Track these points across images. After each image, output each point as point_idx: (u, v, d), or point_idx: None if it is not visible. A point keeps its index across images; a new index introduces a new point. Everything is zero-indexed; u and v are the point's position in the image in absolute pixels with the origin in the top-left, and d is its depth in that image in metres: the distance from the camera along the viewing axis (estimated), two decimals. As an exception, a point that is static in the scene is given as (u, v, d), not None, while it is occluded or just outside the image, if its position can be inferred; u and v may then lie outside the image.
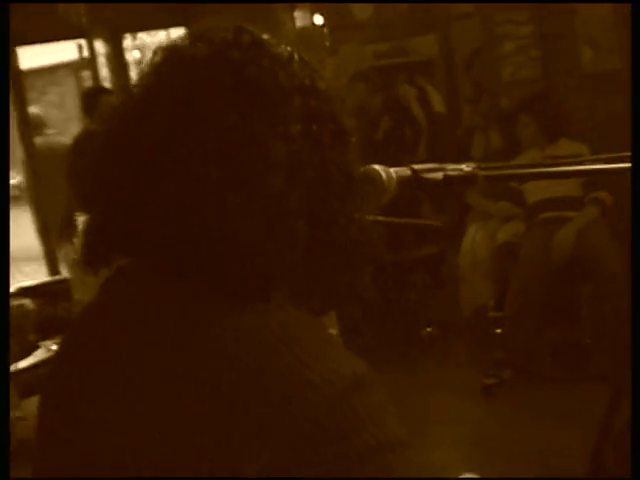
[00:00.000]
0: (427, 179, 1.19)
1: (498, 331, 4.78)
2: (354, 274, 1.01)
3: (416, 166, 1.20)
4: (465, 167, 1.22)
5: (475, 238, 5.29)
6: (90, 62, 7.28)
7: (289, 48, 0.98)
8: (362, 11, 9.16)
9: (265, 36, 0.97)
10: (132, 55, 9.17)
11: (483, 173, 1.21)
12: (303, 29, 8.84)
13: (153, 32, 8.86)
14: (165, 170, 0.90)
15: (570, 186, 4.77)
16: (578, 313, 4.67)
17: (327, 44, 8.65)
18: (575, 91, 5.24)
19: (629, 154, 1.41)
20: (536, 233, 4.75)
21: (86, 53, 7.27)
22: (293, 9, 8.68)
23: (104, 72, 7.86)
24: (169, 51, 0.97)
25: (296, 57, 0.97)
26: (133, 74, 8.74)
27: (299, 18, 8.84)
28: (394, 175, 1.16)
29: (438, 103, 7.10)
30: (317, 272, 0.97)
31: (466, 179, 1.20)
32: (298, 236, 0.91)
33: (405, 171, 1.18)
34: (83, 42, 7.20)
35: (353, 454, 0.80)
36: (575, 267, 4.60)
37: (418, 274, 5.69)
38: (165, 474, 0.83)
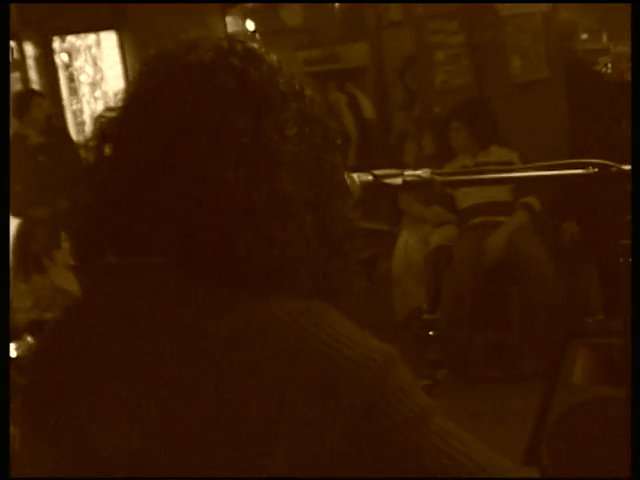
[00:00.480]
0: (388, 184, 1.24)
1: (431, 333, 4.87)
2: (349, 268, 1.06)
3: (376, 171, 1.25)
4: (422, 173, 1.27)
5: (408, 242, 5.38)
6: (19, 64, 7.16)
7: (276, 57, 1.02)
8: (292, 17, 9.22)
9: (255, 45, 1.01)
10: (60, 58, 9.05)
11: (440, 179, 1.27)
12: (234, 35, 8.83)
13: (83, 35, 8.75)
14: (178, 173, 0.92)
15: (500, 191, 4.90)
16: (508, 314, 4.79)
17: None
18: (505, 99, 5.38)
19: (563, 162, 1.48)
20: (468, 237, 4.87)
21: (15, 55, 7.15)
22: (224, 14, 8.68)
23: (33, 75, 7.75)
24: (168, 59, 0.99)
25: (285, 64, 1.01)
26: (62, 77, 8.63)
27: (230, 23, 8.84)
28: (357, 180, 1.21)
29: (368, 109, 7.21)
30: (318, 266, 1.01)
31: (425, 184, 1.26)
32: (306, 232, 0.96)
33: (366, 176, 1.23)
34: (12, 44, 7.08)
35: (401, 424, 0.84)
36: (505, 270, 4.73)
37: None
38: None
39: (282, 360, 0.85)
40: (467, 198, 4.97)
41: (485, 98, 5.38)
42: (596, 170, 1.46)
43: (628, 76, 8.14)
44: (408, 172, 1.28)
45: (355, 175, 1.21)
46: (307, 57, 8.24)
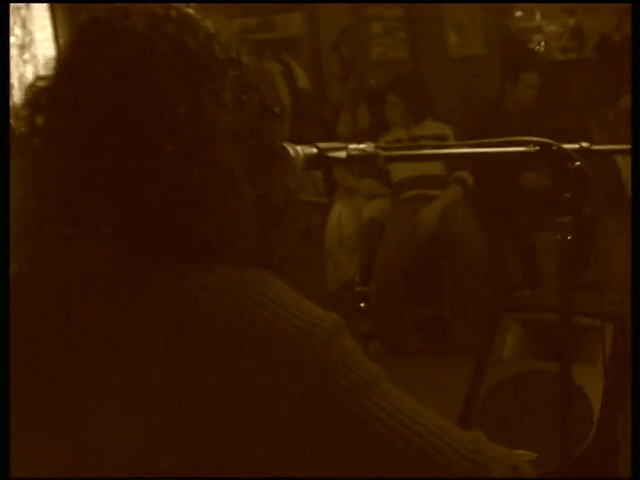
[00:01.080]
0: (332, 157, 1.22)
1: (363, 305, 4.91)
2: (289, 237, 1.06)
3: (320, 144, 1.23)
4: (366, 147, 1.26)
5: (341, 214, 5.37)
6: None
7: (211, 23, 0.99)
8: (228, -16, 9.08)
9: (190, 11, 0.98)
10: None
11: (384, 154, 1.25)
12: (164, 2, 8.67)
13: (11, -5, 8.47)
14: (114, 144, 0.90)
15: (434, 165, 4.92)
16: (440, 288, 4.84)
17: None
18: (441, 74, 5.40)
19: (505, 139, 1.48)
20: (401, 210, 4.88)
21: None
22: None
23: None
24: (100, 25, 0.95)
25: (218, 32, 0.99)
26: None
27: (163, -11, 8.67)
28: (301, 152, 1.19)
29: (303, 80, 7.16)
30: (259, 236, 1.00)
31: (369, 158, 1.24)
32: (246, 199, 0.95)
33: (311, 149, 1.21)
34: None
35: (350, 390, 0.86)
36: (438, 243, 4.77)
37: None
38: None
39: (230, 329, 0.85)
40: (400, 171, 4.98)
41: (421, 72, 5.38)
42: (537, 148, 1.46)
43: (559, 55, 8.27)
44: (352, 146, 1.26)
45: (299, 147, 1.19)
46: (242, 25, 8.14)
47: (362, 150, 1.25)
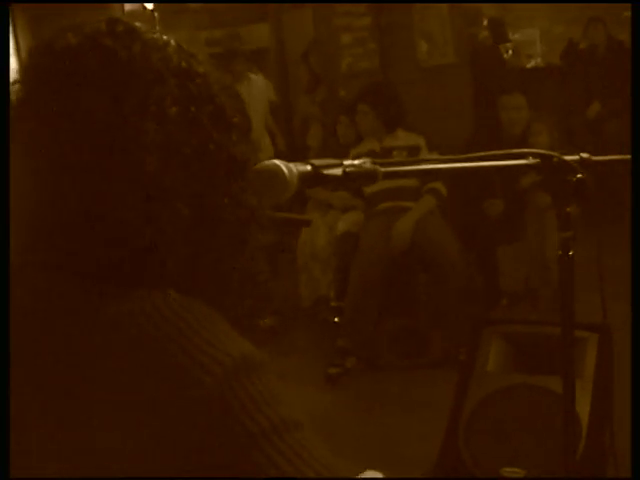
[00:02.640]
0: (327, 175, 1.15)
1: (336, 320, 4.84)
2: (245, 257, 1.01)
3: (315, 161, 1.15)
4: (363, 163, 1.19)
5: (314, 228, 5.31)
6: None
7: (165, 37, 0.98)
8: (193, -4, 9.01)
9: (139, 24, 0.98)
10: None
11: (383, 169, 1.18)
12: (132, 13, 8.58)
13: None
14: (41, 161, 0.91)
15: (407, 177, 4.87)
16: (416, 301, 4.78)
17: (157, 29, 8.42)
18: (412, 84, 5.35)
19: (504, 152, 1.42)
20: (375, 223, 4.82)
21: None
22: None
23: None
24: (43, 47, 0.96)
25: (172, 43, 0.98)
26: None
27: (128, 2, 8.58)
28: (295, 170, 1.11)
29: (270, 92, 7.10)
30: (206, 255, 0.97)
31: (366, 175, 1.17)
32: (179, 216, 0.92)
33: (305, 167, 1.14)
34: None
35: (247, 435, 0.82)
36: (413, 256, 4.71)
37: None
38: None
39: (133, 351, 0.84)
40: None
41: (391, 82, 5.34)
42: (538, 160, 1.40)
43: (526, 63, 8.29)
44: (347, 162, 1.18)
45: (292, 165, 1.12)
46: (208, 37, 8.08)
47: (359, 167, 1.17)
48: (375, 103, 4.87)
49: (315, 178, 1.14)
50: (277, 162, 1.10)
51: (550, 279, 4.66)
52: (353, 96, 5.09)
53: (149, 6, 8.46)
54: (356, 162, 1.19)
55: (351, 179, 1.16)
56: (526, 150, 1.39)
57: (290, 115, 7.00)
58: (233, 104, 1.01)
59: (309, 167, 1.14)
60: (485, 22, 6.74)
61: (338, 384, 4.39)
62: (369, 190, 4.95)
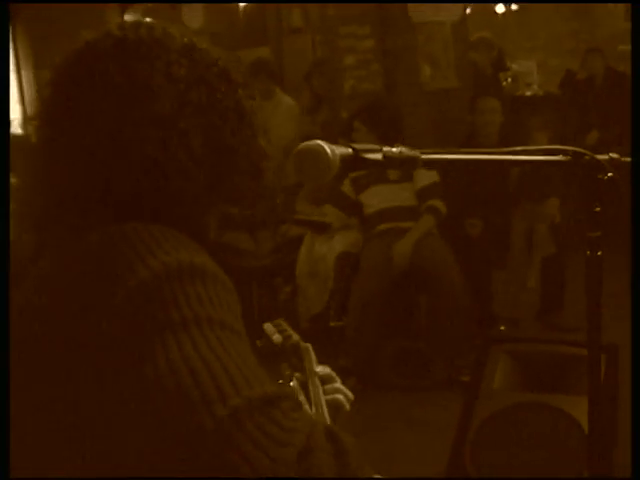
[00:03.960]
0: (368, 159, 1.14)
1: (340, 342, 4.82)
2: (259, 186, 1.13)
3: (355, 145, 1.14)
4: (404, 149, 1.18)
5: (313, 247, 5.29)
6: None
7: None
8: (193, 19, 9.04)
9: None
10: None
11: (423, 156, 1.17)
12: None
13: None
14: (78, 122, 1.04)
15: (406, 196, 4.87)
16: (416, 322, 4.76)
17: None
18: (414, 106, 5.36)
19: (538, 147, 1.42)
20: (375, 244, 4.81)
21: None
22: (123, 12, 8.44)
23: None
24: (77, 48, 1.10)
25: (174, 29, 1.13)
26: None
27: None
28: (337, 152, 1.10)
29: (297, 111, 7.09)
30: (220, 185, 1.08)
31: (407, 160, 1.16)
32: (193, 151, 1.04)
33: (346, 149, 1.13)
34: None
35: (163, 323, 0.84)
36: (413, 277, 4.70)
37: (253, 284, 5.63)
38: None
39: (87, 273, 0.91)
40: (373, 202, 4.92)
41: (389, 100, 5.34)
42: (569, 157, 1.40)
43: (525, 90, 8.34)
44: (386, 149, 1.18)
45: (335, 147, 1.11)
46: (208, 60, 8.10)
47: (399, 152, 1.16)
48: (371, 120, 4.83)
49: (355, 161, 1.13)
50: (320, 142, 1.09)
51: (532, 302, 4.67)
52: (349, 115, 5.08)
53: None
54: (394, 149, 1.18)
55: (392, 163, 1.15)
56: (559, 147, 1.39)
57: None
58: (236, 67, 1.15)
59: (350, 150, 1.13)
60: (485, 47, 6.77)
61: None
62: (368, 210, 4.94)
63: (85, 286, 0.90)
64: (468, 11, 8.96)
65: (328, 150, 1.08)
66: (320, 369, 1.48)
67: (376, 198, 4.91)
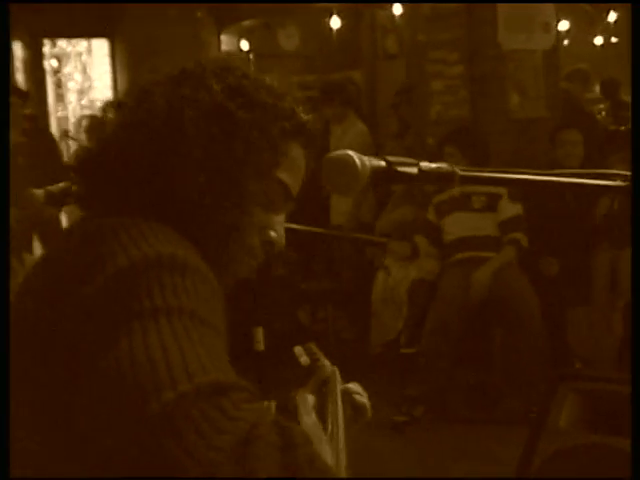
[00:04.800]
0: (402, 172, 1.10)
1: (412, 369, 4.74)
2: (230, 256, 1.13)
3: (390, 158, 1.11)
4: (441, 165, 1.13)
5: (388, 275, 5.25)
6: (6, 65, 7.00)
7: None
8: (289, 41, 9.16)
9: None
10: (50, 63, 8.87)
11: (461, 172, 1.12)
12: (228, 54, 8.75)
13: (74, 41, 8.61)
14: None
15: (487, 225, 4.78)
16: (491, 354, 4.65)
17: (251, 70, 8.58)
18: (501, 134, 5.27)
19: (589, 171, 1.35)
20: (453, 273, 4.73)
21: (2, 55, 6.98)
22: (219, 31, 8.59)
23: (20, 77, 7.59)
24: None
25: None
26: (49, 82, 8.45)
27: (225, 43, 8.75)
28: (368, 163, 1.06)
29: (367, 136, 7.08)
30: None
31: (443, 176, 1.12)
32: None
33: (379, 162, 1.09)
34: None
35: (132, 312, 0.84)
36: (490, 308, 4.60)
37: (329, 306, 5.62)
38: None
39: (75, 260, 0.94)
40: (453, 230, 4.85)
41: (477, 127, 5.27)
42: (628, 183, 1.32)
43: (614, 126, 8.12)
44: (424, 164, 1.13)
45: (366, 158, 1.07)
46: (301, 81, 8.18)
47: (437, 167, 1.12)
48: (462, 145, 4.80)
49: (388, 174, 1.09)
50: (350, 152, 1.06)
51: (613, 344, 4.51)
52: (440, 139, 5.03)
53: (244, 47, 8.62)
54: (432, 164, 1.14)
55: (426, 179, 1.11)
56: (613, 171, 1.31)
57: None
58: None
59: (383, 162, 1.09)
60: (581, 78, 6.61)
61: (404, 433, 4.28)
62: (448, 238, 4.88)
63: (69, 272, 0.92)
64: (565, 42, 8.82)
65: (357, 160, 1.05)
66: (358, 396, 1.48)
67: (457, 226, 4.84)
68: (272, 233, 1.19)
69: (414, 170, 1.11)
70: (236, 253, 1.13)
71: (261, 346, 3.18)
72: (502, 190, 4.78)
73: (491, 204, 4.80)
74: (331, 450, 1.17)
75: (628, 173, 1.34)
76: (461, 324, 4.54)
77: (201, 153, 1.08)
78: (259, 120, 1.13)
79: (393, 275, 5.20)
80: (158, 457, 0.74)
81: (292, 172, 1.20)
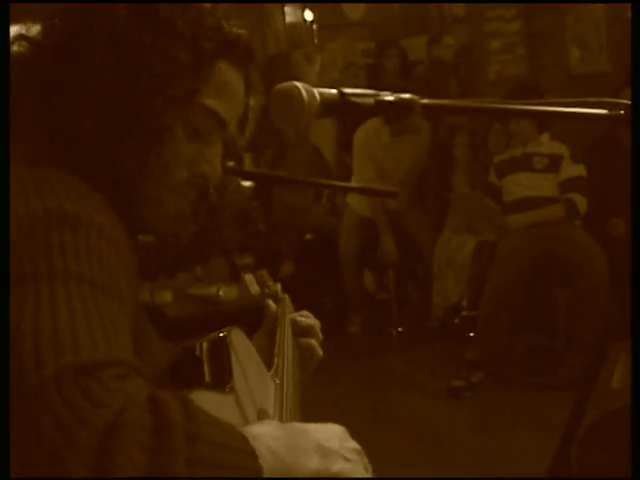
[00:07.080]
0: (356, 103, 1.04)
1: (472, 334, 4.65)
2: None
3: (344, 89, 1.04)
4: (400, 95, 1.07)
5: (451, 237, 5.16)
6: None
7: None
8: (354, 11, 9.03)
9: None
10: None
11: (421, 102, 1.05)
12: (292, 24, 8.71)
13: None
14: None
15: (548, 187, 4.64)
16: (553, 318, 4.51)
17: (315, 41, 8.52)
18: (561, 91, 5.08)
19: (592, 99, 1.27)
20: (515, 234, 4.61)
21: None
22: (283, 5, 8.55)
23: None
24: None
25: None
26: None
27: (289, 14, 8.70)
28: (317, 95, 1.00)
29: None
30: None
31: (401, 106, 1.05)
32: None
33: (331, 93, 1.03)
34: None
35: (21, 277, 0.78)
36: (554, 270, 4.47)
37: (393, 270, 5.55)
38: None
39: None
40: (514, 190, 4.72)
41: (539, 87, 5.09)
42: (622, 112, 1.23)
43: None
44: (385, 94, 1.07)
45: (315, 89, 1.01)
46: (364, 49, 8.07)
47: (396, 97, 1.05)
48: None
49: (342, 106, 1.03)
50: (296, 83, 1.00)
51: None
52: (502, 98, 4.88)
53: (308, 17, 8.54)
54: (391, 96, 1.07)
55: (383, 108, 1.04)
56: (613, 100, 1.22)
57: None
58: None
59: (335, 91, 1.03)
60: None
61: (461, 399, 4.21)
62: (508, 198, 4.75)
63: None
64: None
65: (303, 92, 0.99)
66: (303, 319, 1.44)
67: (518, 186, 4.72)
68: (204, 165, 1.10)
69: (370, 101, 1.04)
70: (155, 191, 1.06)
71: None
72: (564, 151, 4.63)
73: (553, 165, 4.65)
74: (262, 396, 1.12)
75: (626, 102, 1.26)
76: (522, 287, 4.42)
77: (96, 87, 1.00)
78: (166, 45, 1.03)
79: (455, 238, 5.12)
80: (19, 444, 0.68)
81: (224, 97, 1.10)
